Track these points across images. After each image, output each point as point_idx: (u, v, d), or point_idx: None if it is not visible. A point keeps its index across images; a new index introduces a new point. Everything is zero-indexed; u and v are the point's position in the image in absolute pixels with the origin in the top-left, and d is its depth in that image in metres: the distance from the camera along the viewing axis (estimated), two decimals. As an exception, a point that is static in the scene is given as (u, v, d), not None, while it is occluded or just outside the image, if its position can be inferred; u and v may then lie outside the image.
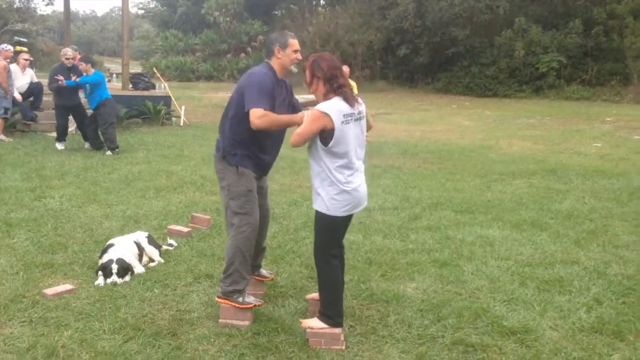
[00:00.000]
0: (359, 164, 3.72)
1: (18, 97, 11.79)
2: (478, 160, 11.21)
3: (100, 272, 4.50)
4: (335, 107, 3.50)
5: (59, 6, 52.80)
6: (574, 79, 24.94)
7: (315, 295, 4.02)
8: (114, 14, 76.68)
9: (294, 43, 3.92)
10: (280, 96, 3.94)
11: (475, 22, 26.22)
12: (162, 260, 4.99)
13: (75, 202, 6.68)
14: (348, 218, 3.81)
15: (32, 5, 44.40)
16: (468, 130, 16.36)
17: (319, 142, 3.58)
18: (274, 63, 3.92)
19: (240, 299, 3.86)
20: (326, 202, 3.63)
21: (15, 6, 40.38)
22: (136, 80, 15.47)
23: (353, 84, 12.52)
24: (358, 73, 31.47)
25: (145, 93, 15.05)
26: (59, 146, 10.30)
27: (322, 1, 39.67)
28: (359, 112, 3.65)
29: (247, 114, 3.73)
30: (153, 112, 14.19)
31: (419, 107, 23.48)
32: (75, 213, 6.26)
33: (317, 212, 3.71)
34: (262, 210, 4.19)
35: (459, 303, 4.29)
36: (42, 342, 3.47)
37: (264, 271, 4.42)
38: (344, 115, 3.51)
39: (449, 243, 5.76)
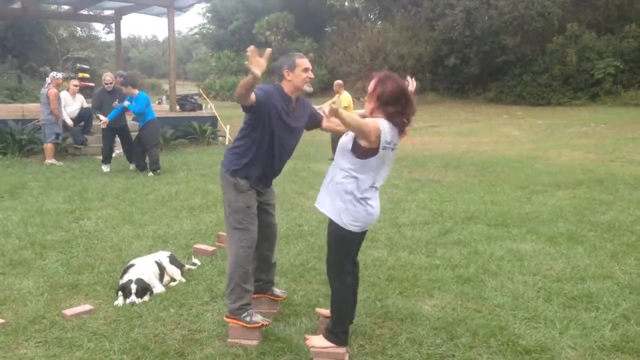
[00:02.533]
0: (379, 185, 3.72)
1: (69, 122, 12.28)
2: (522, 171, 10.91)
3: (120, 292, 4.59)
4: (387, 127, 3.44)
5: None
6: (632, 84, 24.01)
7: (325, 311, 3.97)
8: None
9: (303, 62, 3.88)
10: (289, 115, 3.92)
11: (526, 29, 25.65)
12: (184, 280, 5.05)
13: (110, 223, 6.86)
14: (361, 235, 3.79)
15: (94, 33, 46.46)
16: (517, 140, 15.95)
17: (351, 152, 3.52)
18: (284, 85, 3.91)
19: (248, 318, 3.85)
20: (341, 213, 3.58)
21: (77, 35, 42.28)
22: (184, 102, 15.87)
23: (348, 97, 12.54)
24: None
25: (192, 114, 15.40)
26: (105, 168, 10.64)
27: (370, 16, 39.71)
28: (396, 144, 3.60)
29: (252, 127, 3.85)
30: (199, 132, 14.50)
31: (468, 118, 23.10)
32: (108, 234, 6.42)
33: (330, 222, 3.67)
34: (268, 226, 4.22)
35: (476, 321, 4.15)
36: (52, 362, 3.56)
37: (277, 290, 4.40)
38: (387, 142, 3.46)
39: (477, 258, 5.60)
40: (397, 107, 3.49)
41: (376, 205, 3.71)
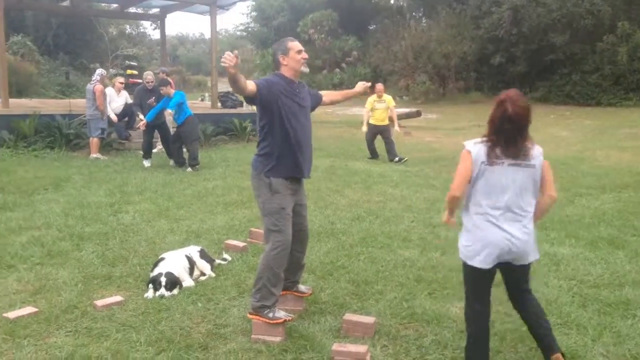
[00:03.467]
0: (508, 214, 3.29)
1: (114, 117, 12.56)
2: (567, 173, 10.61)
3: (150, 285, 4.66)
4: (475, 146, 3.30)
5: (168, 31, 55.86)
6: (686, 85, 23.10)
7: None
8: (220, 36, 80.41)
9: (294, 45, 4.00)
10: (297, 95, 3.99)
11: (575, 27, 24.93)
12: (213, 274, 5.10)
13: (147, 217, 6.98)
14: (484, 272, 3.37)
15: (142, 31, 47.39)
16: (564, 141, 15.54)
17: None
18: (283, 71, 4.00)
19: (271, 314, 3.86)
20: (461, 246, 3.47)
21: (127, 32, 43.23)
22: (225, 99, 16.02)
23: (389, 98, 12.45)
24: (452, 85, 30.91)
25: (233, 111, 15.54)
26: (146, 163, 10.85)
27: (415, 14, 39.33)
28: (516, 161, 3.26)
29: (269, 124, 3.90)
30: (239, 129, 14.63)
31: (513, 118, 22.61)
32: (143, 227, 6.54)
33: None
34: (301, 228, 4.20)
35: (505, 325, 4.06)
36: (79, 352, 3.63)
37: (302, 287, 4.40)
38: (482, 162, 3.27)
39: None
40: (495, 133, 3.27)
41: (491, 234, 3.31)
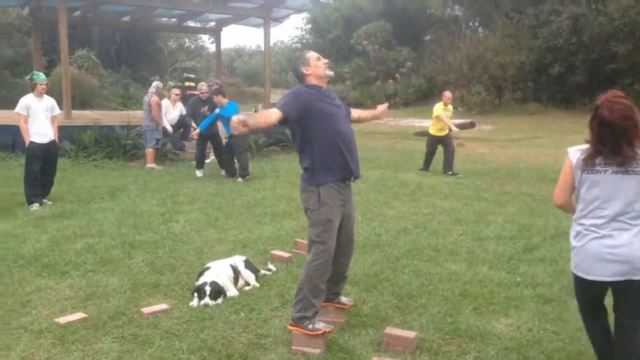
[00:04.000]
0: (614, 224, 3.10)
1: (169, 128, 12.91)
2: None
3: (195, 294, 4.74)
4: (577, 153, 3.22)
5: (226, 44, 57.06)
6: None
7: None
8: (277, 48, 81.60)
9: (312, 54, 4.11)
10: (328, 97, 4.03)
11: (638, 36, 24.07)
12: (258, 285, 5.14)
13: (196, 226, 7.12)
14: (589, 284, 3.20)
15: (201, 44, 48.59)
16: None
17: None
18: (309, 81, 4.06)
19: (310, 326, 3.86)
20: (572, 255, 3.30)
21: (185, 46, 44.43)
22: (277, 110, 16.20)
23: (450, 107, 12.21)
24: (508, 95, 30.28)
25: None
26: (198, 173, 11.08)
27: (471, 24, 38.83)
28: (622, 168, 3.09)
29: (308, 133, 3.92)
30: (290, 140, 14.75)
31: (573, 129, 21.94)
32: (192, 237, 6.67)
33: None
34: (347, 240, 4.18)
35: (552, 344, 3.93)
36: (124, 358, 3.73)
37: (343, 298, 4.38)
38: (582, 169, 3.17)
39: (562, 278, 5.29)
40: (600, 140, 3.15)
41: (592, 246, 3.15)
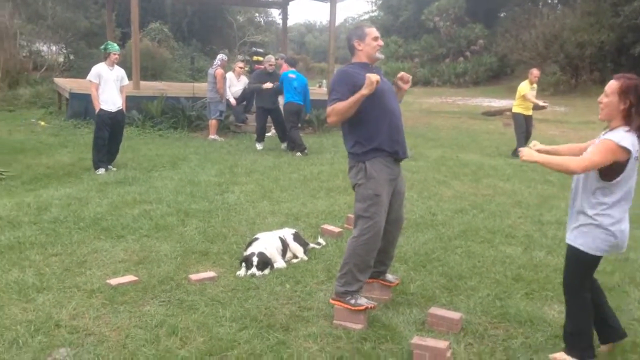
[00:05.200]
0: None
1: (232, 101, 13.05)
2: None
3: (242, 264, 4.78)
4: (634, 142, 3.17)
5: (296, 19, 57.06)
6: None
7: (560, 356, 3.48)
8: (347, 24, 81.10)
9: (371, 31, 3.95)
10: (381, 78, 3.88)
11: None
12: (306, 258, 5.13)
13: (250, 198, 7.18)
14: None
15: (270, 19, 48.79)
16: None
17: (596, 176, 3.27)
18: (358, 57, 3.97)
19: (353, 301, 3.82)
20: (590, 241, 3.32)
21: (255, 20, 44.70)
22: (341, 86, 16.07)
23: (535, 87, 11.48)
24: (585, 76, 28.93)
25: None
26: (258, 146, 11.17)
27: (549, 1, 37.21)
28: None
29: (356, 114, 3.82)
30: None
31: (652, 113, 20.80)
32: (246, 207, 6.73)
33: (574, 248, 3.43)
34: (396, 217, 4.10)
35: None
36: (168, 321, 3.80)
37: (389, 276, 4.30)
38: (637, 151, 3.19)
39: (625, 266, 5.04)
40: None
41: (626, 227, 3.42)
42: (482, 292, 4.42)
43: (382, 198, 3.87)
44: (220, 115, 12.43)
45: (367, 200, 3.84)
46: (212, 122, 12.34)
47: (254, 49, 35.27)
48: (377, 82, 3.67)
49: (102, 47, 8.87)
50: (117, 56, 8.67)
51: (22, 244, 5.20)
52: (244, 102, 13.67)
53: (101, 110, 8.53)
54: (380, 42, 3.97)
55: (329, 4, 18.09)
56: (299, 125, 11.34)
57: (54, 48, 23.94)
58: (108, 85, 8.58)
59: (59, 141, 11.16)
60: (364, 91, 3.68)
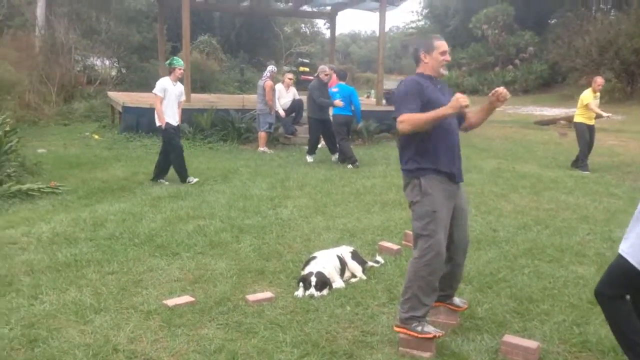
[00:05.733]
0: None
1: (282, 113, 13.00)
2: None
3: (300, 284, 4.63)
4: None
5: (341, 29, 57.14)
6: None
7: None
8: (392, 34, 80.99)
9: (441, 44, 3.76)
10: (440, 90, 3.77)
11: None
12: (364, 277, 4.95)
13: (304, 213, 7.03)
14: None
15: (316, 30, 48.96)
16: None
17: None
18: (423, 69, 3.81)
19: (419, 328, 3.61)
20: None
21: (301, 31, 44.92)
22: (389, 96, 15.86)
23: (598, 95, 10.92)
24: (644, 85, 27.90)
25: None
26: (309, 159, 11.04)
27: (602, 6, 36.09)
28: None
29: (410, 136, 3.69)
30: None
31: None
32: (300, 223, 6.58)
33: (624, 259, 3.25)
34: (459, 236, 3.89)
35: None
36: (228, 347, 3.67)
37: (457, 300, 4.07)
38: None
39: None
40: None
41: None
42: (556, 317, 4.14)
43: (441, 214, 3.67)
44: (270, 128, 12.37)
45: (425, 217, 3.66)
46: (262, 135, 12.30)
47: (300, 59, 35.46)
48: (466, 106, 3.49)
49: (168, 62, 8.89)
50: (182, 71, 8.73)
51: (78, 261, 5.18)
52: (293, 114, 13.61)
53: (167, 123, 8.59)
54: (448, 58, 3.79)
55: (376, 12, 18.00)
56: (349, 137, 11.17)
57: (107, 62, 24.48)
58: (171, 100, 8.65)
59: (112, 155, 11.28)
60: (450, 110, 3.51)
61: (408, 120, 3.59)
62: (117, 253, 5.42)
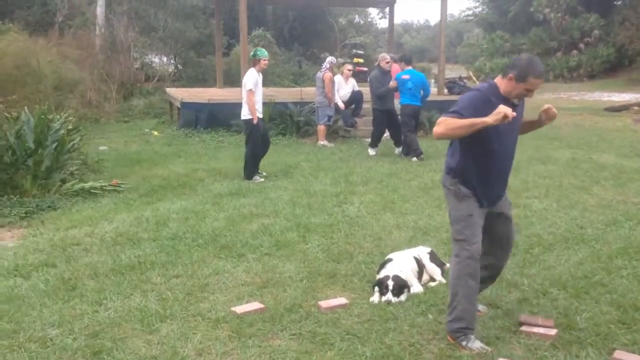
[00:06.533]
0: None
1: (341, 105, 12.64)
2: None
3: (376, 288, 4.29)
4: None
5: (394, 19, 56.33)
6: None
7: None
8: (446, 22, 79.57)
9: (533, 83, 3.38)
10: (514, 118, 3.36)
11: None
12: (444, 280, 4.56)
13: (372, 209, 6.68)
14: None
15: (370, 20, 48.35)
16: None
17: None
18: (502, 85, 3.47)
19: (464, 342, 3.43)
20: None
21: (355, 22, 44.40)
22: (452, 85, 15.30)
23: None
24: None
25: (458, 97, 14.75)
26: (371, 152, 10.65)
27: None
28: None
29: (466, 140, 3.45)
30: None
31: None
32: (368, 221, 6.24)
33: None
34: (503, 236, 3.76)
35: None
36: (302, 359, 3.37)
37: (480, 307, 3.92)
38: None
39: None
40: None
41: None
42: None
43: (477, 219, 3.55)
44: (329, 121, 12.05)
45: (460, 221, 3.58)
46: (321, 128, 11.99)
47: (354, 50, 35.00)
48: (507, 120, 3.20)
49: (252, 53, 8.62)
50: (266, 62, 8.50)
51: (142, 263, 4.99)
52: (352, 106, 13.24)
53: (259, 119, 8.40)
54: (530, 96, 3.46)
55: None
56: (417, 129, 10.69)
57: (164, 59, 24.70)
58: (259, 93, 8.45)
59: (172, 151, 11.20)
60: (489, 120, 3.22)
61: (444, 122, 3.38)
62: (181, 254, 5.22)
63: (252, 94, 8.26)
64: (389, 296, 4.17)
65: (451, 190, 3.63)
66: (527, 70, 3.37)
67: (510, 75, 3.41)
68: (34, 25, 20.50)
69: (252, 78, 8.28)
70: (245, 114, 8.45)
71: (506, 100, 3.43)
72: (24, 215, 6.79)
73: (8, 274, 4.83)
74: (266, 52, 8.52)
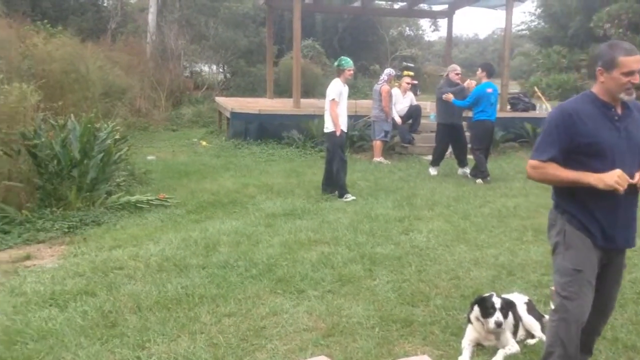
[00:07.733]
0: None
1: (398, 120, 11.98)
2: None
3: (473, 313, 3.65)
4: None
5: (441, 32, 55.30)
6: None
7: None
8: (495, 36, 77.76)
9: (627, 62, 2.74)
10: (617, 131, 2.82)
11: None
12: (544, 337, 3.83)
13: (442, 239, 5.98)
14: None
15: (420, 32, 47.53)
16: None
17: None
18: (596, 90, 2.86)
19: None
20: None
21: (405, 34, 43.70)
22: (515, 101, 14.44)
23: None
24: None
25: (524, 114, 13.89)
26: (432, 171, 9.92)
27: None
28: None
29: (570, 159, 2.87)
30: (532, 136, 12.94)
31: None
32: (441, 253, 5.54)
33: None
34: (607, 297, 3.12)
35: None
36: None
37: None
38: None
39: None
40: None
41: None
42: None
43: (586, 275, 2.95)
44: (386, 136, 11.38)
45: (566, 275, 2.99)
46: (377, 144, 11.34)
47: (404, 63, 34.25)
48: (618, 189, 2.69)
49: (336, 63, 8.15)
50: (351, 72, 8.04)
51: (190, 296, 4.43)
52: (410, 121, 12.54)
53: (342, 131, 7.90)
54: (636, 79, 2.78)
55: (498, 10, 16.62)
56: (490, 149, 9.77)
57: (214, 67, 24.50)
58: (343, 105, 7.95)
59: (221, 163, 10.72)
60: (593, 182, 2.73)
61: (539, 170, 2.93)
62: (233, 287, 4.63)
63: (335, 104, 7.76)
64: (498, 316, 3.49)
65: (558, 226, 3.03)
66: (612, 52, 2.80)
67: (599, 69, 2.84)
68: (87, 31, 20.49)
69: (335, 88, 7.82)
70: (327, 127, 7.92)
71: (608, 106, 2.85)
72: (66, 230, 6.39)
73: (43, 302, 4.33)
74: (351, 62, 8.00)
